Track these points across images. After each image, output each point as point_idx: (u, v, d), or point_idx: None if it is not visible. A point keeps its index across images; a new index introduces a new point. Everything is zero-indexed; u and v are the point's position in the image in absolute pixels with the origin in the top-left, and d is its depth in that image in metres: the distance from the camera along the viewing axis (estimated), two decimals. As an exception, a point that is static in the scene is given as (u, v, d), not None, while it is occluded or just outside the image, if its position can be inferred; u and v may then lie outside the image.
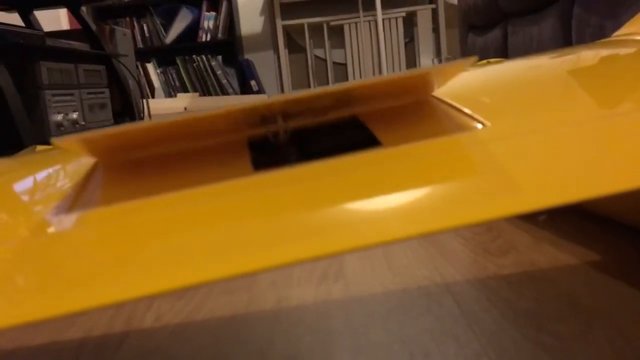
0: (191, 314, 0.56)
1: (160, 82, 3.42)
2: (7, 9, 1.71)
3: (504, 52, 1.68)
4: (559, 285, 0.53)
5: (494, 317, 0.47)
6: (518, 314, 0.47)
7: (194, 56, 3.42)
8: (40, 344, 0.53)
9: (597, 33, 1.15)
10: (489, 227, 0.73)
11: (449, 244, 0.69)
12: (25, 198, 0.35)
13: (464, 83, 0.44)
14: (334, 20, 3.36)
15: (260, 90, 3.39)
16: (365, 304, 0.53)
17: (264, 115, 0.35)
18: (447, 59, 3.32)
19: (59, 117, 1.33)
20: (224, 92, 3.37)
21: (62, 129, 1.33)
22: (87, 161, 0.37)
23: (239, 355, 0.46)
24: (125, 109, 1.89)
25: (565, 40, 1.29)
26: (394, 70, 3.37)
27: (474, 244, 0.67)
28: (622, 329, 0.43)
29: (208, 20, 3.40)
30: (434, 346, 0.44)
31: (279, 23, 3.34)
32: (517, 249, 0.64)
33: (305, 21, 3.36)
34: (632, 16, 0.55)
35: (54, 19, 3.16)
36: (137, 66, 3.10)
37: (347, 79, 3.41)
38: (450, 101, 0.36)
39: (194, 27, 3.40)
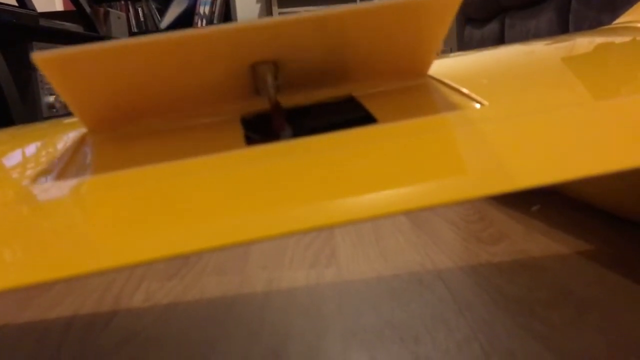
0: (181, 295, 0.56)
1: (154, 67, 3.40)
2: (1, -12, 1.69)
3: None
4: (551, 274, 0.53)
5: (485, 303, 0.47)
6: (509, 300, 0.47)
7: (189, 42, 3.40)
8: (27, 322, 0.53)
9: (594, 27, 1.15)
10: (482, 216, 0.73)
11: (441, 231, 0.68)
12: (13, 168, 0.35)
13: (462, 64, 0.44)
14: (331, 9, 3.35)
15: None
16: (357, 289, 0.53)
17: (254, 54, 0.34)
18: (444, 52, 3.32)
19: (51, 99, 1.31)
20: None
21: (54, 111, 1.32)
22: (76, 133, 0.37)
23: (229, 336, 0.46)
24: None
25: (562, 33, 1.29)
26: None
27: (466, 232, 0.67)
28: (613, 317, 0.43)
29: (204, 6, 3.38)
30: (424, 331, 0.44)
31: (276, 11, 3.32)
32: (509, 238, 0.64)
33: (302, 9, 3.35)
34: (629, 9, 0.55)
35: (48, 0, 3.13)
36: (131, 51, 3.07)
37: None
38: (448, 81, 0.36)
39: (189, 13, 3.38)
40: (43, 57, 0.30)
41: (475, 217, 0.73)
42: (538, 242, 0.62)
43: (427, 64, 0.37)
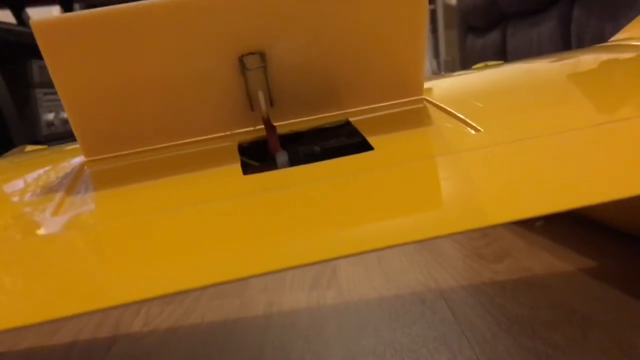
0: (180, 319, 0.55)
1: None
2: (-1, 5, 1.69)
3: (503, 54, 1.67)
4: (554, 292, 0.52)
5: (488, 323, 0.47)
6: (512, 320, 0.47)
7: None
8: (28, 348, 0.53)
9: (596, 36, 1.14)
10: (484, 233, 0.72)
11: (443, 249, 0.68)
12: (15, 199, 0.35)
13: (460, 86, 0.44)
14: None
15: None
16: (358, 310, 0.53)
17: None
18: (446, 61, 3.32)
19: (50, 116, 1.31)
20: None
21: (53, 128, 1.32)
22: (77, 162, 0.37)
23: (229, 361, 0.46)
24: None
25: (564, 42, 1.29)
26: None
27: (469, 250, 0.67)
28: (617, 336, 0.43)
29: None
30: (426, 353, 0.43)
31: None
32: (512, 255, 0.63)
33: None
34: (631, 19, 0.55)
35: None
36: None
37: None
38: (444, 106, 0.35)
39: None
40: (40, 23, 0.30)
41: (478, 234, 0.72)
42: (541, 259, 0.61)
43: (418, 79, 0.37)
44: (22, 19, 1.58)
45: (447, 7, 3.38)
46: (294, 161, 0.34)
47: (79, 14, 0.31)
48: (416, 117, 0.36)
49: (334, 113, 0.38)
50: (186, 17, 0.31)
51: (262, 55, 0.34)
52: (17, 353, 0.52)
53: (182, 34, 0.32)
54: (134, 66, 0.33)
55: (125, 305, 0.22)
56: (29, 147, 0.60)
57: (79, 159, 0.37)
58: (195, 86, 0.35)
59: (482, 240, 0.70)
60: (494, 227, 0.74)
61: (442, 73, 2.84)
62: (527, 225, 0.73)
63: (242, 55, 0.34)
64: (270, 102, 0.36)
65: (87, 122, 0.35)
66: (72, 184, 0.33)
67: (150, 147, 0.37)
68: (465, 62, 2.08)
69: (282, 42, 0.34)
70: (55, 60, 0.32)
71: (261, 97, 0.35)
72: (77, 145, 0.36)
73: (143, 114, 0.35)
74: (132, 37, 0.32)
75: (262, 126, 0.36)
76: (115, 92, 0.34)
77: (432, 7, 3.39)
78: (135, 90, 0.34)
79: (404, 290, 0.56)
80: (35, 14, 1.77)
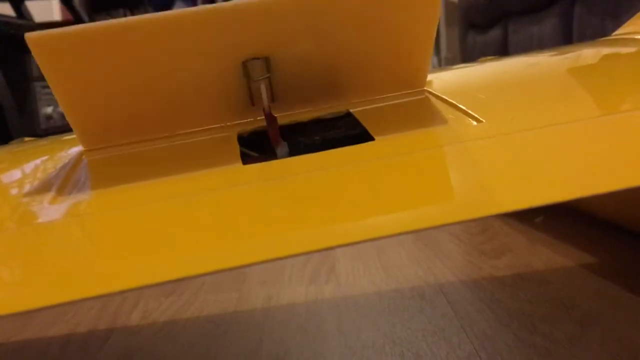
0: (178, 312, 0.55)
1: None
2: (-1, -1, 1.69)
3: (504, 51, 1.67)
4: (554, 288, 0.52)
5: (487, 318, 0.47)
6: (512, 315, 0.47)
7: (190, 50, 3.40)
8: (26, 340, 0.52)
9: (598, 33, 1.14)
10: (484, 228, 0.72)
11: (443, 244, 0.68)
12: (12, 189, 0.34)
13: (462, 78, 0.43)
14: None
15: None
16: (357, 304, 0.53)
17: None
18: (447, 58, 3.32)
19: (49, 110, 1.31)
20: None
21: (51, 122, 1.32)
22: (75, 152, 0.36)
23: (227, 354, 0.45)
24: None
25: (566, 39, 1.29)
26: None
27: (468, 245, 0.67)
28: (617, 332, 0.43)
29: (206, 15, 3.38)
30: (425, 347, 0.43)
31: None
32: (512, 251, 0.63)
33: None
34: (633, 16, 0.55)
35: (46, 10, 3.13)
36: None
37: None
38: (445, 97, 0.35)
39: (191, 21, 3.38)
40: (35, 37, 0.29)
41: (478, 229, 0.72)
42: (541, 254, 0.61)
43: (423, 73, 0.37)
44: (21, 12, 1.57)
45: (448, 4, 3.37)
46: (294, 152, 0.33)
47: (77, 28, 0.30)
48: (418, 108, 0.36)
49: (335, 104, 0.37)
50: (186, 30, 0.31)
51: (266, 61, 0.34)
52: (15, 344, 0.52)
53: (183, 47, 0.32)
54: (134, 72, 0.32)
55: (123, 292, 0.22)
56: (28, 140, 0.59)
57: (77, 149, 0.36)
58: (196, 84, 0.34)
59: (482, 235, 0.70)
60: (493, 218, 0.74)
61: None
62: (527, 221, 0.73)
63: (246, 60, 0.33)
64: (272, 97, 0.36)
65: (85, 114, 0.34)
66: (70, 173, 0.33)
67: (148, 138, 0.36)
68: (466, 59, 2.08)
69: (287, 41, 0.33)
70: (54, 74, 0.31)
71: (263, 91, 0.35)
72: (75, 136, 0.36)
73: (142, 106, 0.35)
74: (133, 50, 0.31)
75: (262, 117, 0.36)
76: (115, 91, 0.33)
77: (432, 4, 3.37)
78: (135, 89, 0.33)
79: (404, 285, 0.56)
80: (34, 7, 1.76)
